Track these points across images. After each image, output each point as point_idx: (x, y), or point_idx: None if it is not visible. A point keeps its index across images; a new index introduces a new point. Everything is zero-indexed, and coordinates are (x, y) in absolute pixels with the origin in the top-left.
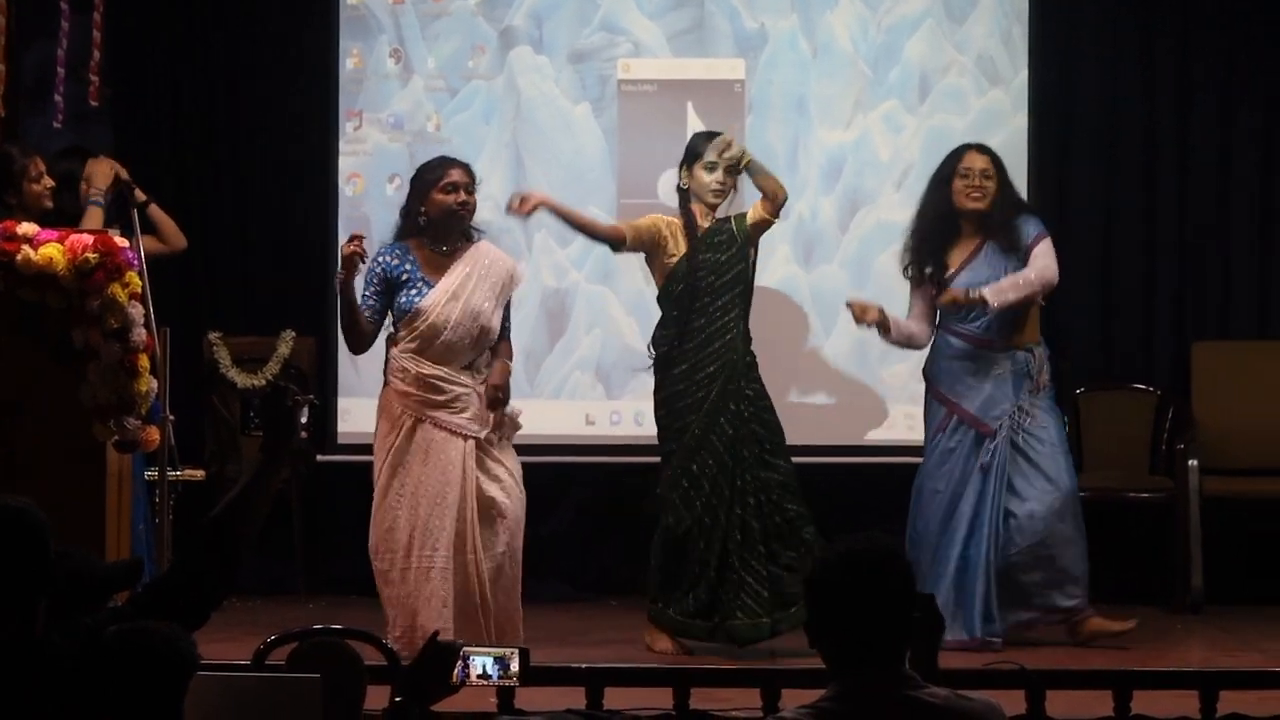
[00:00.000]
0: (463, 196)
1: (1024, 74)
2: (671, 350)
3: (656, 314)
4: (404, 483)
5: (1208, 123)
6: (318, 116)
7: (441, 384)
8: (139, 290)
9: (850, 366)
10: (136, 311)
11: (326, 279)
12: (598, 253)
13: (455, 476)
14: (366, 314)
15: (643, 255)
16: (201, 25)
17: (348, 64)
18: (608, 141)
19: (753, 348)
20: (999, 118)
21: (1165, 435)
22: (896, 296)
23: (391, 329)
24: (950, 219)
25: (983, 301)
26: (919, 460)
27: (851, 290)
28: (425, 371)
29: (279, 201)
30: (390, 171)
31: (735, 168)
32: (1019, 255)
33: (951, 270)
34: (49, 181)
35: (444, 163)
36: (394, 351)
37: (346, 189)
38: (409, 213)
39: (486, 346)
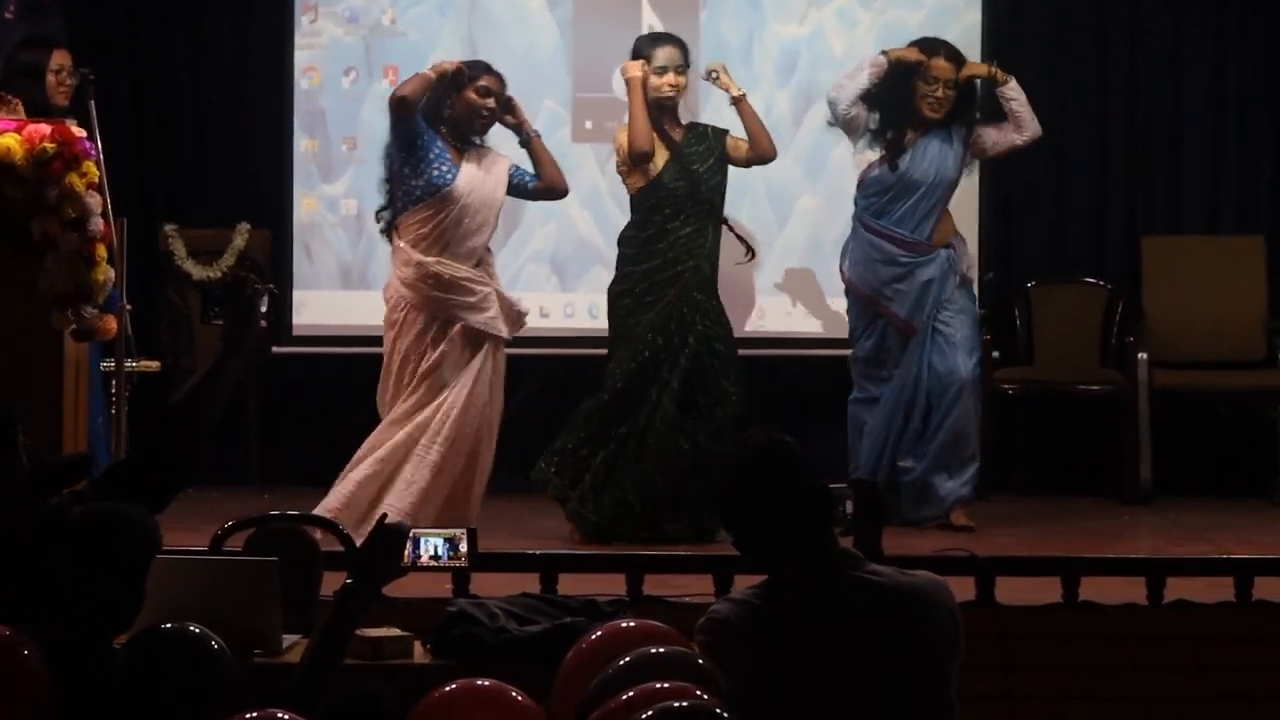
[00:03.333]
0: (492, 103)
1: None
2: (641, 250)
3: (611, 208)
4: (434, 386)
5: (1159, 17)
6: (274, 9)
7: (470, 284)
8: (96, 180)
9: (804, 260)
10: (94, 201)
11: (282, 171)
12: (553, 146)
13: (472, 375)
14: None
15: (614, 161)
16: None
17: None
18: (563, 35)
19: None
20: (952, 12)
21: (1115, 329)
22: (850, 190)
23: (401, 211)
24: (908, 112)
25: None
26: None
27: (806, 184)
28: (457, 274)
29: (235, 94)
30: (346, 65)
31: (722, 89)
32: (960, 135)
33: (907, 146)
34: None
35: (485, 66)
36: (409, 257)
37: (302, 82)
38: (436, 101)
39: (488, 242)
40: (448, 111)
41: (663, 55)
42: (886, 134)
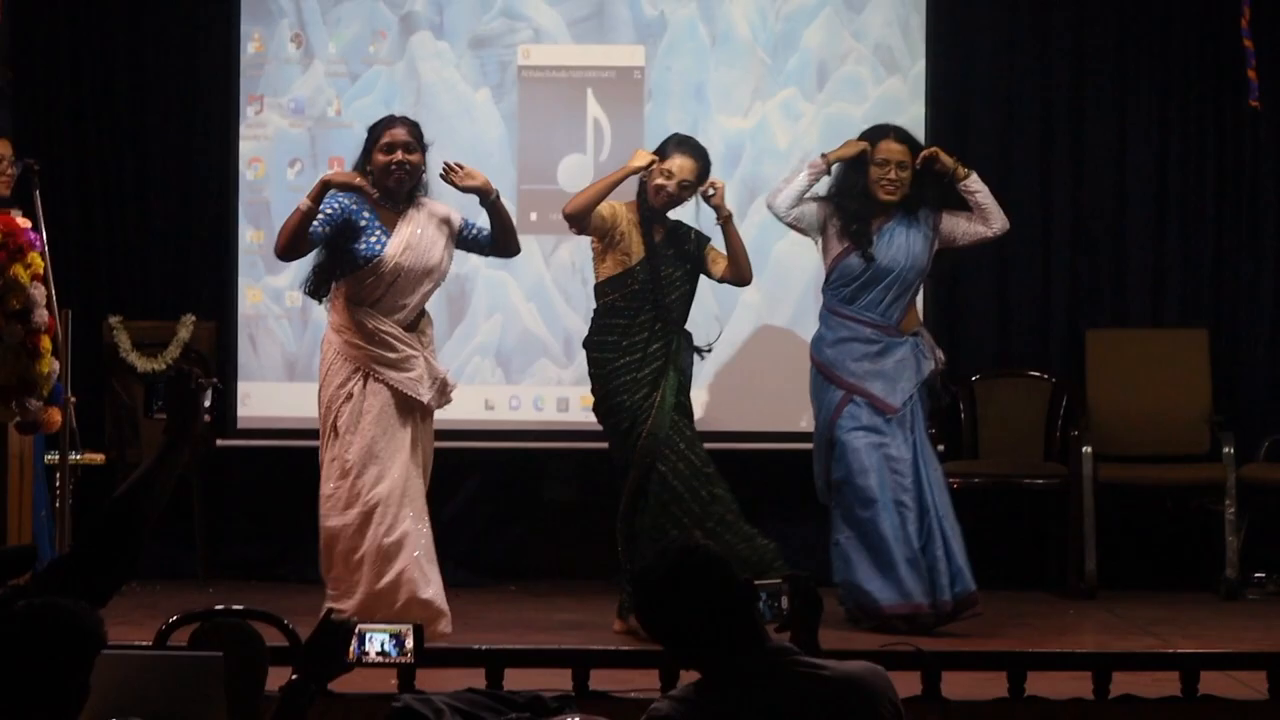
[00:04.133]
0: (399, 156)
1: (921, 63)
2: (619, 340)
3: (556, 299)
4: (352, 442)
5: (1102, 112)
6: (219, 100)
7: (393, 341)
8: (41, 271)
9: (748, 353)
10: (39, 293)
11: (227, 263)
12: None
13: (406, 442)
14: (316, 237)
15: (589, 240)
16: (103, 6)
17: (249, 48)
18: (508, 127)
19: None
20: (896, 106)
21: (1060, 422)
22: (793, 282)
23: (337, 279)
24: (869, 200)
25: (967, 176)
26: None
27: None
28: (381, 327)
29: (180, 185)
30: (291, 156)
31: (712, 208)
32: (929, 220)
33: (874, 234)
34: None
35: (385, 122)
36: (341, 305)
37: (247, 173)
38: (360, 169)
39: (426, 301)
40: (370, 176)
41: (675, 162)
42: (852, 226)
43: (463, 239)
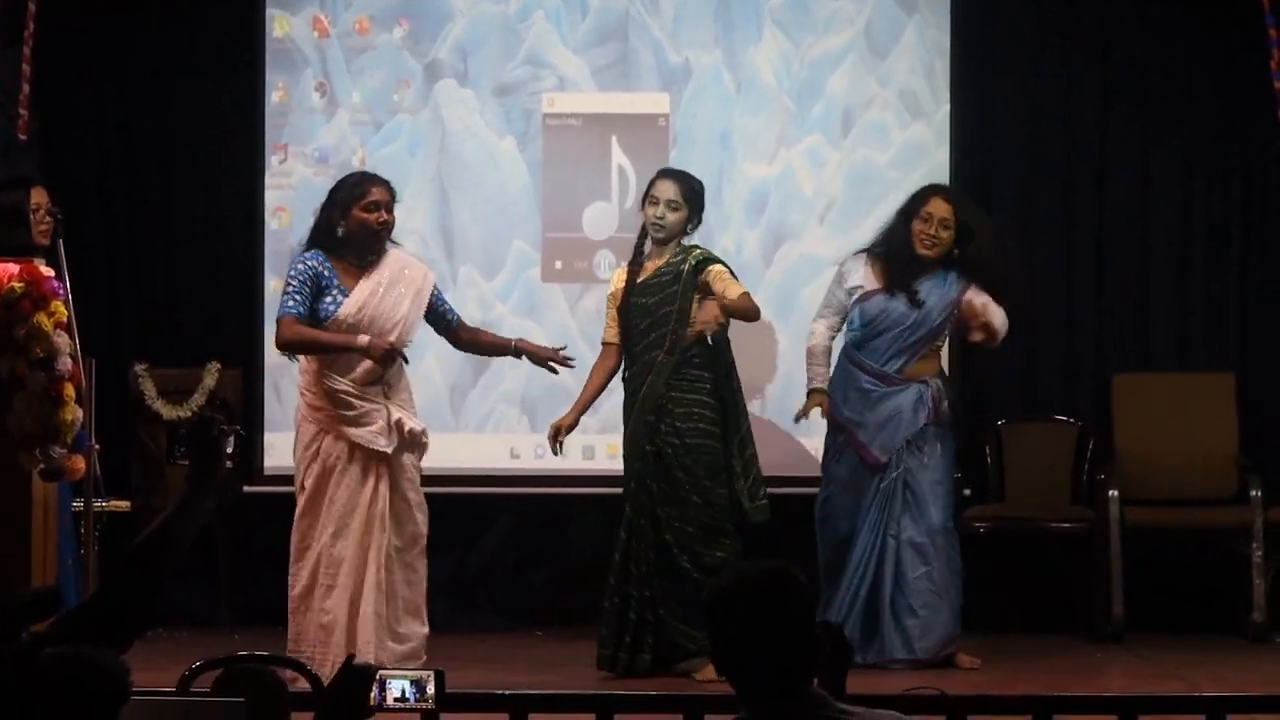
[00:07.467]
0: (384, 216)
1: (946, 108)
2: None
3: (581, 347)
4: (315, 501)
5: (1127, 158)
6: (243, 149)
7: (351, 399)
8: (64, 319)
9: (777, 399)
10: (62, 341)
11: (252, 311)
12: (523, 286)
13: (364, 498)
14: (301, 315)
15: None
16: (127, 57)
17: (273, 97)
18: (532, 175)
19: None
20: (921, 152)
21: (1086, 466)
22: None
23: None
24: (913, 255)
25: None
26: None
27: (777, 323)
28: (336, 387)
29: (205, 234)
30: (315, 205)
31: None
32: (957, 286)
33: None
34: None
35: (365, 179)
36: (304, 364)
37: (272, 222)
38: (326, 226)
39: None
40: (341, 232)
41: (657, 187)
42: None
43: (431, 308)
